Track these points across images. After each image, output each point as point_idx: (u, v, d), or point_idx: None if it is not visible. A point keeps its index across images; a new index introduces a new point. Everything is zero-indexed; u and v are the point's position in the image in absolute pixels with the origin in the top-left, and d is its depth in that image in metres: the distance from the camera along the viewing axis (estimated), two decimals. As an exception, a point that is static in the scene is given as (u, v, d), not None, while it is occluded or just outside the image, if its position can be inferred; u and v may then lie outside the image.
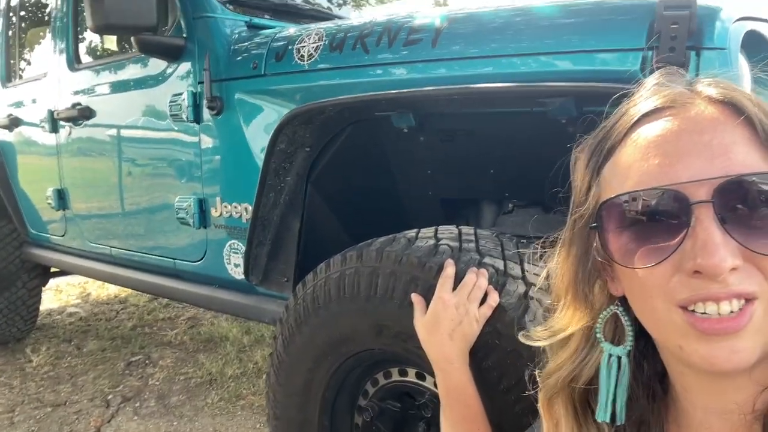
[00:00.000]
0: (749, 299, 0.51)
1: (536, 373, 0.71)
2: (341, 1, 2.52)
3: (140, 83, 2.12)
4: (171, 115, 1.94)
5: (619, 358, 0.63)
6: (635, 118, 0.58)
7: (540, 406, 0.71)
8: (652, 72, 0.67)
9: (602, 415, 0.63)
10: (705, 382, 0.58)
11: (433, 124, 1.52)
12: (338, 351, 1.33)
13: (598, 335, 0.64)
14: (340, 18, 2.25)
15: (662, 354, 0.62)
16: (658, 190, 0.53)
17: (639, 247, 0.55)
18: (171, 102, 1.93)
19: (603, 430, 0.65)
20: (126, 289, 4.25)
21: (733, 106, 0.54)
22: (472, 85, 1.27)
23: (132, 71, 2.17)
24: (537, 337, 0.69)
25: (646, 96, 0.59)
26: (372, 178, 1.76)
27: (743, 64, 1.15)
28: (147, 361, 3.15)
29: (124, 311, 4.09)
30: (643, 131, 0.56)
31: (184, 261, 2.08)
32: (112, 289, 4.47)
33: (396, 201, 1.80)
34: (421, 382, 1.29)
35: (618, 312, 0.63)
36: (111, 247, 2.45)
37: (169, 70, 1.97)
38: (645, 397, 0.65)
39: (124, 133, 2.26)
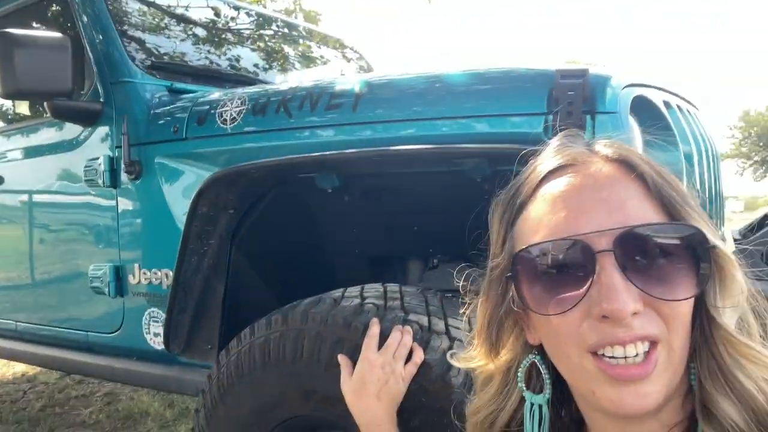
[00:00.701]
0: (653, 342, 0.55)
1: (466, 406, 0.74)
2: (266, 66, 2.57)
3: (54, 148, 2.04)
4: (86, 180, 1.87)
5: (540, 406, 0.65)
6: (542, 175, 0.63)
7: None
8: (554, 134, 0.74)
9: None
10: (617, 426, 0.60)
11: (356, 184, 1.55)
12: (265, 419, 1.28)
13: (519, 384, 0.67)
14: (264, 82, 2.29)
15: (577, 400, 0.65)
16: (566, 241, 0.57)
17: (551, 295, 0.58)
18: (86, 167, 1.86)
19: None
20: (35, 366, 3.92)
21: (626, 164, 0.60)
22: (390, 147, 1.32)
23: (46, 135, 2.09)
24: (464, 360, 0.73)
25: (550, 155, 0.64)
26: (299, 238, 1.75)
27: (634, 126, 1.27)
28: (56, 446, 2.87)
29: (32, 390, 3.73)
30: (549, 187, 0.61)
31: (98, 333, 1.96)
32: (18, 367, 4.10)
33: (324, 261, 1.80)
34: (352, 447, 1.25)
35: (536, 360, 0.66)
36: (17, 321, 2.27)
37: (85, 135, 1.91)
38: None
39: (36, 198, 2.15)
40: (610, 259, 0.54)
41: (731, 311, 0.57)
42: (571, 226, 0.57)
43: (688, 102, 1.82)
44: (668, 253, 0.56)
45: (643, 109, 1.35)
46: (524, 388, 0.66)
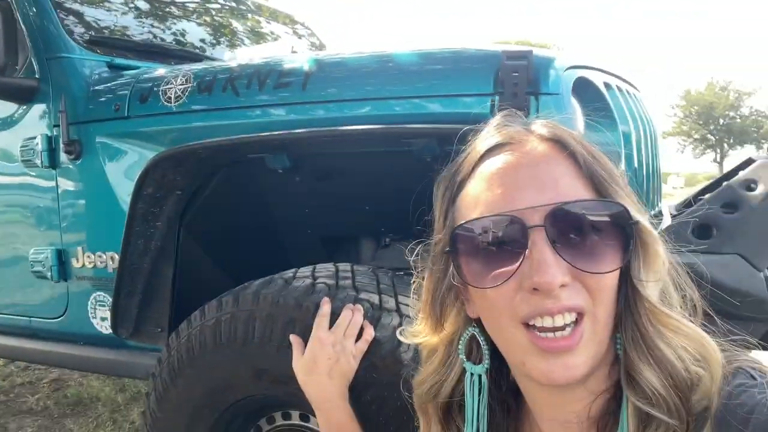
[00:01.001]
0: (579, 314, 0.59)
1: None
2: (213, 41, 2.50)
3: (-14, 126, 1.93)
4: (23, 161, 1.79)
5: (480, 376, 0.69)
6: (480, 154, 0.65)
7: (416, 408, 0.77)
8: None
9: (469, 428, 0.69)
10: (547, 394, 0.64)
11: (307, 164, 1.54)
12: (217, 401, 1.28)
13: (460, 355, 0.70)
14: (210, 59, 2.22)
15: (512, 370, 0.69)
16: (501, 217, 0.59)
17: (487, 270, 0.61)
18: (23, 146, 1.78)
19: None
20: (-26, 354, 3.76)
21: (560, 143, 0.63)
22: (339, 127, 1.32)
23: (-24, 113, 1.97)
24: (410, 335, 0.76)
25: (489, 134, 0.67)
26: (250, 219, 1.74)
27: (576, 107, 1.31)
28: (1, 435, 2.78)
29: (-27, 380, 3.59)
30: (486, 165, 0.64)
31: (42, 318, 1.89)
32: (-44, 356, 3.92)
33: (276, 241, 1.79)
34: (305, 424, 1.27)
35: (475, 333, 0.69)
36: (-47, 308, 2.17)
37: (20, 113, 1.82)
38: (501, 411, 0.71)
39: (-31, 180, 2.03)
40: (541, 234, 0.58)
41: (654, 284, 0.61)
42: (507, 202, 0.60)
43: (629, 83, 1.89)
44: (595, 229, 0.59)
45: (584, 90, 1.40)
46: (465, 359, 0.69)
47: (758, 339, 1.24)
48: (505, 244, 0.60)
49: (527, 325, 0.60)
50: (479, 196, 0.62)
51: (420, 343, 0.75)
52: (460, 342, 0.70)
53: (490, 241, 0.60)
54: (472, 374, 0.69)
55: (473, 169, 0.65)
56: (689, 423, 0.56)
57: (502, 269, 0.59)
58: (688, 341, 0.60)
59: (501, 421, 0.71)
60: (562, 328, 0.58)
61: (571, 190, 0.60)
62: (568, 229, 0.58)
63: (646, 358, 0.59)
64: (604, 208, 0.60)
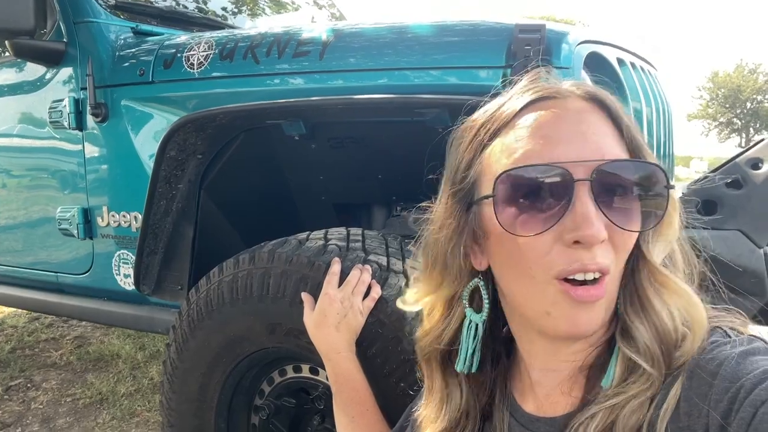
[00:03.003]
0: (603, 273, 0.60)
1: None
2: (235, 10, 2.53)
3: (15, 89, 2.01)
4: (51, 122, 1.86)
5: (477, 324, 0.72)
6: (522, 104, 0.65)
7: (421, 366, 0.80)
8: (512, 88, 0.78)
9: (461, 366, 0.73)
10: (549, 344, 0.67)
11: (323, 132, 1.59)
12: (233, 353, 1.36)
13: (464, 302, 0.72)
14: (231, 27, 2.27)
15: (514, 322, 0.72)
16: (547, 166, 0.60)
17: (527, 219, 0.61)
18: (51, 108, 1.85)
19: (464, 379, 0.75)
20: (2, 310, 3.92)
21: (601, 104, 0.64)
22: (355, 96, 1.36)
23: (6, 76, 2.05)
24: (409, 301, 0.78)
25: (527, 87, 0.66)
26: (266, 184, 1.80)
27: (587, 81, 1.33)
28: (29, 385, 2.93)
29: (1, 334, 3.76)
30: (529, 116, 0.63)
31: (68, 274, 1.99)
32: (-15, 312, 4.09)
33: (290, 206, 1.85)
34: (314, 377, 1.35)
35: (480, 285, 0.71)
36: (-16, 263, 2.28)
37: (49, 76, 1.89)
38: (491, 359, 0.76)
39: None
40: (586, 188, 0.58)
41: (661, 248, 0.64)
42: (550, 153, 0.60)
43: (645, 61, 1.89)
44: (635, 189, 0.61)
45: (596, 64, 1.42)
46: (467, 305, 0.72)
47: (754, 314, 1.27)
48: (550, 195, 0.60)
49: (563, 280, 0.61)
50: (519, 146, 0.62)
51: (422, 299, 0.76)
52: (465, 291, 0.72)
53: (534, 190, 0.60)
54: (470, 321, 0.72)
55: (512, 119, 0.65)
56: (666, 376, 0.60)
57: (543, 219, 0.60)
58: (680, 302, 0.62)
59: (488, 370, 0.76)
60: (593, 281, 0.60)
61: (614, 149, 0.61)
62: (611, 187, 0.59)
63: (641, 314, 0.62)
64: (646, 170, 0.61)
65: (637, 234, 0.62)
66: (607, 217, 0.59)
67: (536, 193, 0.60)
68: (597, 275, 0.59)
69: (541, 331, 0.66)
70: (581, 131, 0.61)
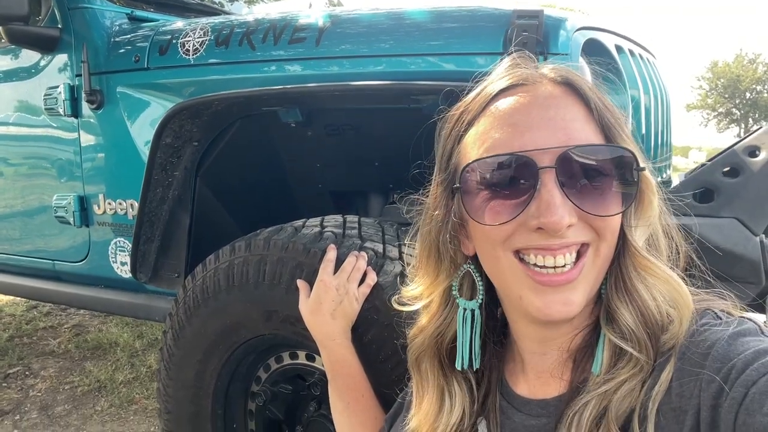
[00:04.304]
0: (583, 245, 0.61)
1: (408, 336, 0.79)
2: (231, -3, 2.51)
3: (10, 75, 1.99)
4: (46, 109, 1.85)
5: (473, 311, 0.72)
6: (492, 93, 0.65)
7: (409, 365, 0.80)
8: None
9: (460, 363, 0.72)
10: (535, 329, 0.68)
11: (319, 119, 1.58)
12: (229, 339, 1.36)
13: (454, 292, 0.72)
14: (228, 13, 2.25)
15: (503, 304, 0.72)
16: (512, 155, 0.60)
17: (493, 206, 0.62)
18: (46, 95, 1.84)
19: (462, 378, 0.74)
20: (0, 298, 3.92)
21: (572, 88, 0.64)
22: (351, 83, 1.35)
23: (0, 63, 2.03)
24: (406, 299, 0.77)
25: (500, 75, 0.67)
26: (262, 171, 1.79)
27: (584, 68, 1.32)
28: (27, 372, 2.94)
29: (-1, 322, 3.76)
30: (499, 104, 0.64)
31: (65, 262, 1.99)
32: (-18, 300, 4.09)
33: (287, 194, 1.85)
34: (310, 363, 1.35)
35: (470, 270, 0.72)
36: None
37: (43, 62, 1.87)
38: (493, 341, 0.75)
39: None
40: (552, 176, 0.59)
41: (642, 231, 0.64)
42: (518, 141, 0.61)
43: (644, 48, 1.88)
44: (603, 173, 0.61)
45: (594, 51, 1.41)
46: (458, 296, 0.72)
47: (749, 301, 1.27)
48: (515, 183, 0.61)
49: (521, 260, 0.62)
50: (489, 135, 0.63)
51: (418, 295, 0.76)
52: (454, 279, 0.72)
53: (499, 179, 0.61)
54: (465, 310, 0.72)
55: (484, 108, 0.65)
56: (656, 359, 0.61)
57: (509, 207, 0.61)
58: (664, 286, 0.63)
59: (492, 351, 0.75)
60: (563, 266, 0.60)
61: (582, 133, 0.61)
62: (577, 172, 0.60)
63: (625, 299, 0.62)
64: (613, 152, 0.62)
65: (620, 216, 0.62)
66: (573, 203, 0.59)
67: (502, 183, 0.61)
68: (571, 260, 0.60)
69: (523, 314, 0.67)
70: (549, 117, 0.61)
